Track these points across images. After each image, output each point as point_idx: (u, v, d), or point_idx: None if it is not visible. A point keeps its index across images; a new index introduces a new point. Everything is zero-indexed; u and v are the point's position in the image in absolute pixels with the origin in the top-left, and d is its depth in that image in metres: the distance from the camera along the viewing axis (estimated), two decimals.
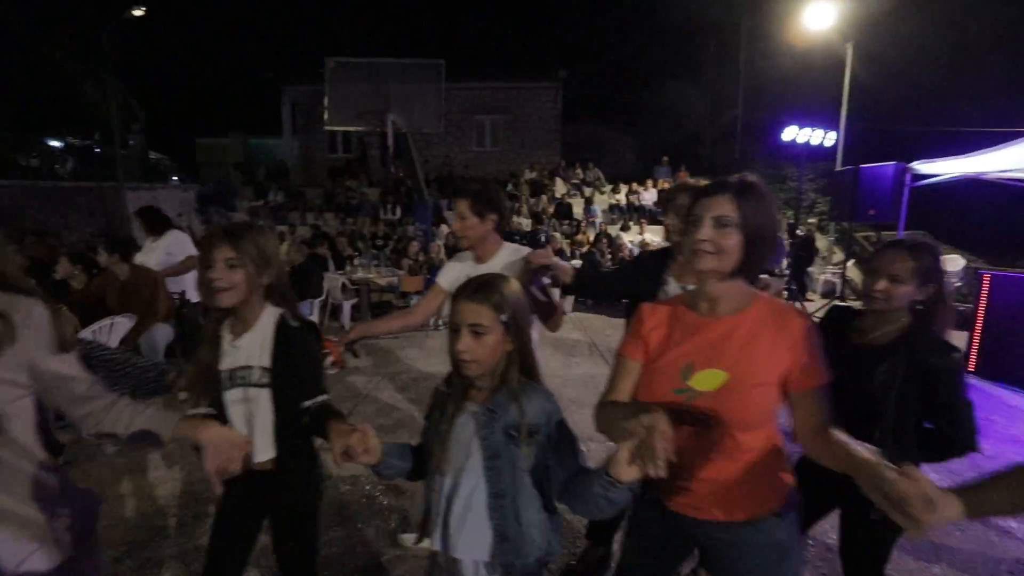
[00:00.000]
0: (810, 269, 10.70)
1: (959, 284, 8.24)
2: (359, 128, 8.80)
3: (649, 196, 14.07)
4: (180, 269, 4.44)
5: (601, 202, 14.42)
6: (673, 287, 1.78)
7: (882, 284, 1.46)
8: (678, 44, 24.79)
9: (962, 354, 1.51)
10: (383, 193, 14.29)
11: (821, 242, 11.92)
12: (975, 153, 5.47)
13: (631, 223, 12.80)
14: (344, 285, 7.14)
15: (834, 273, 10.38)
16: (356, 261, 8.91)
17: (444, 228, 11.40)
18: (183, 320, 4.34)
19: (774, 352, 1.10)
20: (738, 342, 1.11)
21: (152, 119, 21.95)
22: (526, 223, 12.75)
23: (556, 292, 2.03)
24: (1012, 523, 2.68)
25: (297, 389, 1.42)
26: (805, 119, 6.71)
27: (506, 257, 2.05)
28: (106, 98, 12.61)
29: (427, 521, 1.21)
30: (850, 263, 10.84)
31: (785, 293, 7.13)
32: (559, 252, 9.33)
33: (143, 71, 26.87)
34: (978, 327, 5.19)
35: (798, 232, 10.63)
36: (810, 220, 12.28)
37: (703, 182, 1.55)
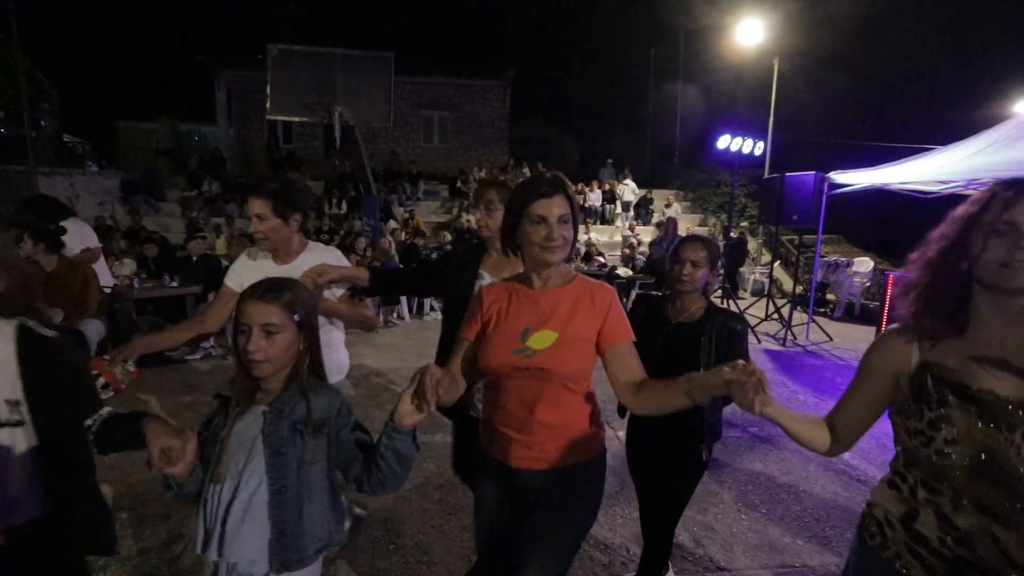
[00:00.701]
0: (741, 269, 11.46)
1: (868, 284, 9.12)
2: (304, 119, 8.50)
3: (594, 197, 14.50)
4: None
5: None
6: (487, 281, 1.82)
7: (687, 269, 1.84)
8: (622, 50, 25.62)
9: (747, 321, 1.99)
10: (328, 187, 13.89)
11: (751, 244, 12.76)
12: (883, 165, 6.10)
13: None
14: None
15: (762, 273, 11.15)
16: None
17: (392, 224, 11.26)
18: (115, 315, 4.10)
19: (591, 315, 1.33)
20: (565, 309, 1.34)
21: (67, 100, 20.13)
22: (475, 220, 12.82)
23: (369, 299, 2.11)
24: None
25: (69, 414, 1.19)
26: (738, 128, 7.19)
27: (312, 259, 1.95)
28: (9, 73, 11.45)
29: (207, 538, 1.15)
30: (776, 264, 11.70)
31: (719, 291, 7.62)
32: None
33: (55, 46, 24.57)
34: (884, 321, 5.80)
35: (731, 235, 11.34)
36: (742, 223, 13.11)
37: (508, 179, 1.88)
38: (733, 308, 7.67)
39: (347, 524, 2.28)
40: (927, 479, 0.98)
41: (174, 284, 5.90)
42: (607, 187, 15.14)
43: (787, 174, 6.70)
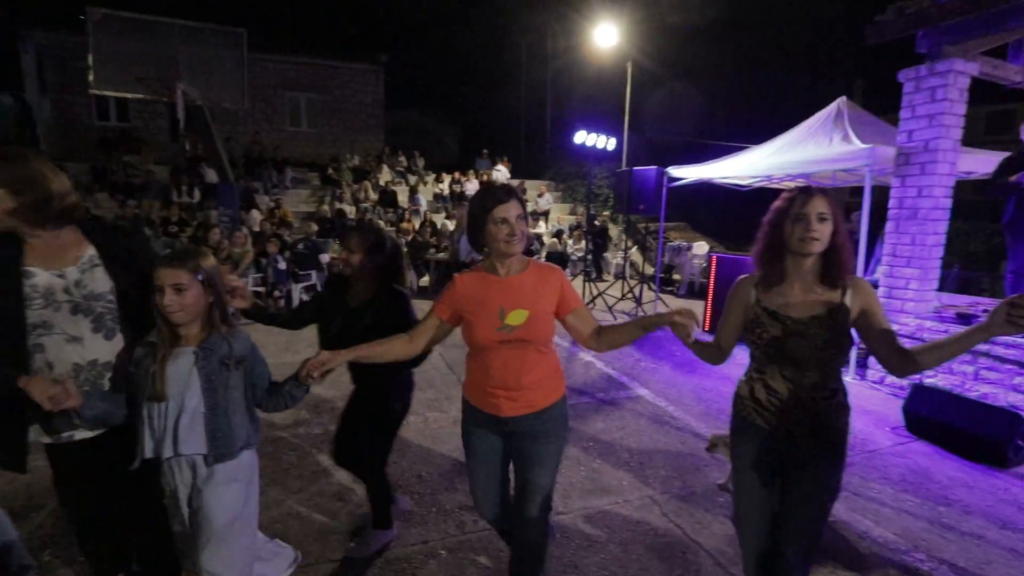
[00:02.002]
0: (606, 254, 12.51)
1: (705, 264, 10.52)
2: (138, 95, 7.55)
3: (472, 186, 14.76)
4: None
5: (426, 191, 14.68)
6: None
7: (344, 255, 2.14)
8: (496, 43, 26.08)
9: (408, 292, 2.27)
10: (175, 171, 12.46)
11: (613, 231, 13.95)
12: (710, 162, 7.11)
13: (455, 212, 13.33)
14: None
15: (623, 257, 12.29)
16: None
17: (256, 214, 10.48)
18: None
19: (550, 292, 1.73)
20: (529, 289, 1.71)
21: None
22: (349, 210, 12.38)
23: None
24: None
25: None
26: (598, 123, 7.83)
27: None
28: None
29: (158, 443, 1.52)
30: (635, 248, 12.96)
31: (582, 275, 8.33)
32: None
33: None
34: (710, 296, 6.81)
35: (595, 222, 12.30)
36: (604, 212, 14.27)
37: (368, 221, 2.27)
38: (594, 290, 8.40)
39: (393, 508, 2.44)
40: (759, 366, 1.65)
41: None
42: (485, 177, 15.50)
43: (634, 168, 7.49)
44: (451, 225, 11.80)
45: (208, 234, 7.38)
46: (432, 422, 3.79)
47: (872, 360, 4.75)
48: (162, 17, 7.18)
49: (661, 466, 3.22)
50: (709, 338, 1.78)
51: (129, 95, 7.45)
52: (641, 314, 7.71)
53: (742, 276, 1.71)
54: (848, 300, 1.55)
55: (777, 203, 1.60)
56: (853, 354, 4.90)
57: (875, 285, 5.09)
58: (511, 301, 1.67)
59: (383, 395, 2.23)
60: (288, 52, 16.57)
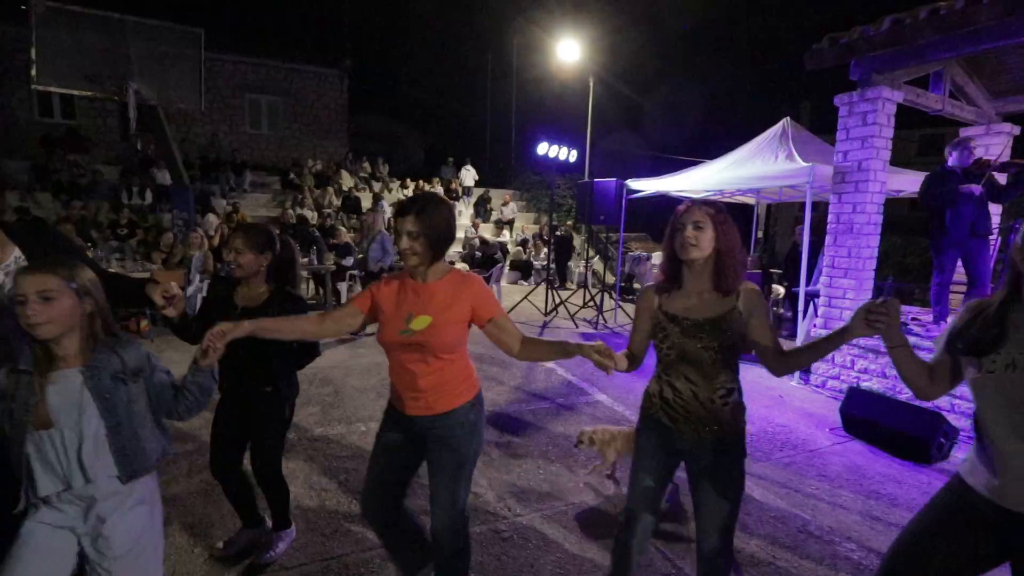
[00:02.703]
0: (569, 263, 12.73)
1: None
2: (86, 92, 7.24)
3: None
4: None
5: (390, 198, 14.58)
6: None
7: (232, 256, 2.10)
8: (463, 53, 26.25)
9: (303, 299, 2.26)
10: (126, 172, 11.95)
11: (576, 240, 14.22)
12: (668, 175, 7.40)
13: (364, 218, 13.26)
14: None
15: (586, 265, 12.54)
16: (91, 253, 7.38)
17: (212, 218, 10.16)
18: None
19: (460, 302, 1.73)
20: (440, 297, 1.72)
21: None
22: (311, 215, 12.16)
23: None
24: None
25: None
26: (562, 135, 8.02)
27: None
28: None
29: (64, 477, 1.33)
30: (596, 258, 13.24)
31: (545, 284, 8.47)
32: (345, 246, 9.23)
33: None
34: None
35: (558, 232, 12.51)
36: (568, 222, 14.53)
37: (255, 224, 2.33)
38: (556, 298, 8.56)
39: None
40: (664, 368, 1.75)
41: None
42: (454, 184, 15.53)
43: (596, 180, 7.70)
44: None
45: (160, 237, 7.12)
46: None
47: (816, 364, 5.04)
48: (113, 12, 6.93)
49: (617, 468, 3.33)
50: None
51: (76, 92, 7.13)
52: (603, 322, 7.90)
53: (647, 284, 1.86)
54: (740, 305, 1.65)
55: (672, 217, 1.73)
56: None
57: (816, 295, 5.42)
58: (420, 307, 1.70)
59: (279, 398, 2.18)
60: (249, 53, 16.20)
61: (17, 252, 1.58)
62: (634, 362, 1.80)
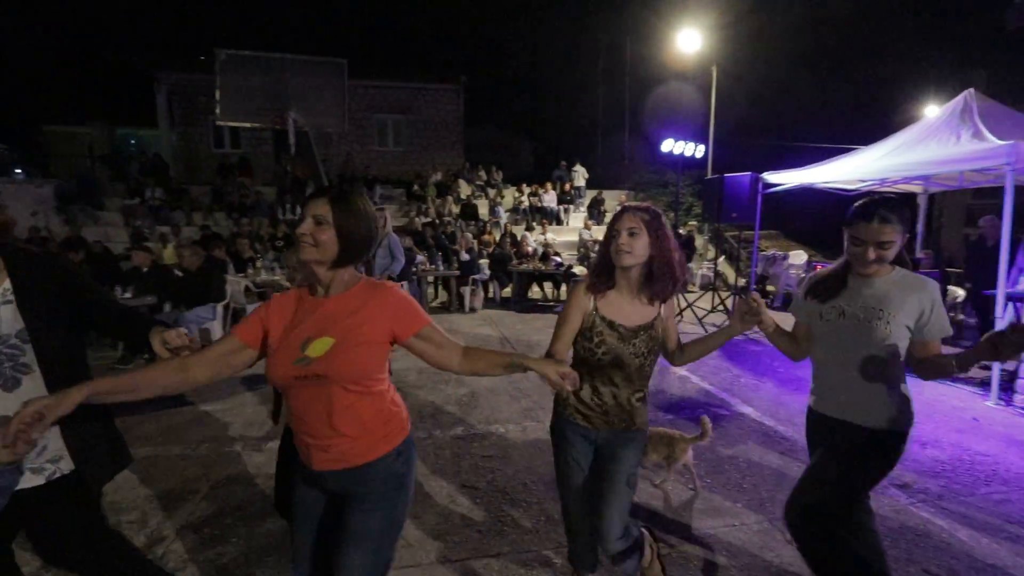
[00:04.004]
0: (690, 264, 12.07)
1: (803, 275, 9.85)
2: (255, 124, 8.37)
3: (549, 198, 14.87)
4: None
5: (505, 204, 14.97)
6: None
7: (139, 257, 1.84)
8: (572, 57, 26.21)
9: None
10: (280, 192, 13.62)
11: (699, 240, 13.44)
12: (810, 166, 6.68)
13: (534, 224, 13.47)
14: (248, 288, 6.86)
15: (709, 267, 11.79)
16: (258, 263, 8.51)
17: None
18: None
19: (376, 318, 1.36)
20: (345, 314, 1.36)
21: None
22: (430, 222, 12.89)
23: None
24: None
25: None
26: (681, 131, 7.64)
27: None
28: None
29: None
30: (722, 259, 12.39)
31: None
32: (469, 251, 9.63)
33: None
34: None
35: (680, 232, 11.92)
36: (691, 222, 13.79)
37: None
38: (681, 302, 8.13)
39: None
40: (589, 370, 1.76)
41: (127, 296, 5.75)
42: (568, 187, 15.56)
43: (726, 175, 7.20)
44: (530, 236, 11.94)
45: None
46: (530, 431, 3.83)
47: (1020, 384, 4.20)
48: (275, 53, 7.93)
49: (776, 488, 3.04)
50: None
51: (248, 124, 8.28)
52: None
53: (577, 281, 1.86)
54: (662, 311, 1.76)
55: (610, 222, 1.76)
56: (997, 376, 4.36)
57: (1020, 298, 4.52)
58: (318, 328, 1.33)
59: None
60: (376, 77, 17.66)
61: (7, 283, 1.39)
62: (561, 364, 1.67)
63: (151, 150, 16.45)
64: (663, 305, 1.76)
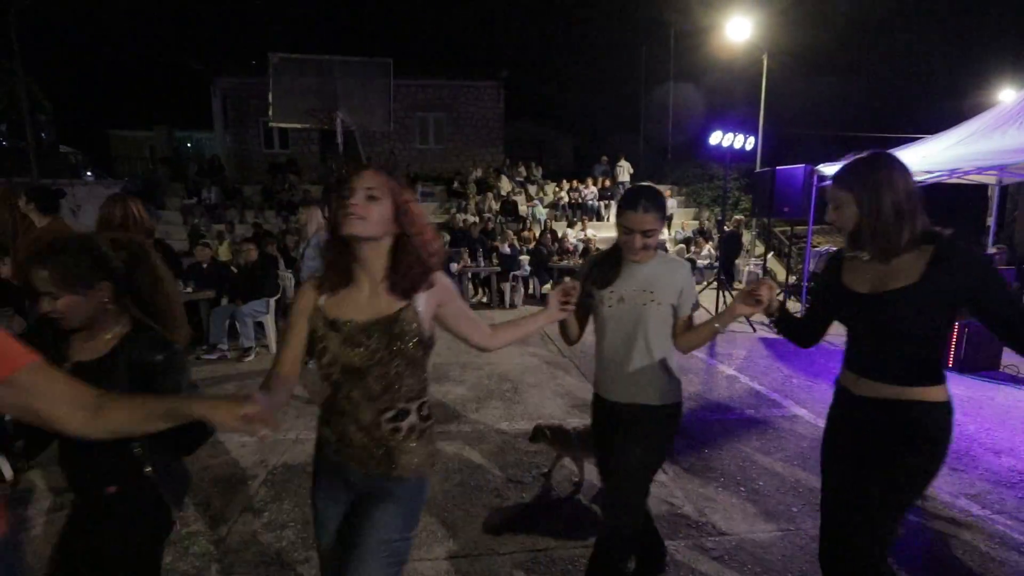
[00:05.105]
0: (736, 261, 11.69)
1: None
2: (305, 125, 8.68)
3: (590, 193, 14.72)
4: None
5: (546, 199, 14.92)
6: None
7: (43, 304, 1.27)
8: (614, 49, 25.80)
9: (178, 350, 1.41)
10: (327, 190, 14.03)
11: (745, 236, 13.00)
12: None
13: (575, 219, 13.37)
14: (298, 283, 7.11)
15: (756, 264, 11.38)
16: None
17: None
18: None
19: None
20: None
21: (58, 109, 20.18)
22: (472, 220, 12.99)
23: None
24: None
25: None
26: (729, 123, 7.40)
27: None
28: (13, 88, 11.56)
29: None
30: (770, 255, 11.94)
31: (715, 283, 7.85)
32: (510, 246, 9.66)
33: (45, 54, 24.59)
34: None
35: (726, 227, 11.57)
36: (737, 216, 13.35)
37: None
38: (727, 299, 7.90)
39: None
40: (332, 394, 1.35)
41: (188, 290, 6.08)
42: (608, 183, 15.37)
43: (777, 168, 6.92)
44: (569, 233, 11.85)
45: None
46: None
47: None
48: (324, 55, 8.18)
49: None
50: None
51: (299, 125, 8.60)
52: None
53: (307, 279, 1.38)
54: (420, 298, 1.33)
55: None
56: None
57: None
58: None
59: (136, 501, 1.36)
60: (418, 76, 17.90)
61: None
62: (281, 385, 1.29)
63: (206, 151, 17.30)
64: (429, 293, 1.34)
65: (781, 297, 1.61)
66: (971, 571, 2.28)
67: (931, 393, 1.43)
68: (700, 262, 11.15)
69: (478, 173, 15.77)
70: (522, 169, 16.55)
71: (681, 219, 14.03)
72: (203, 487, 2.96)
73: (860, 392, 1.54)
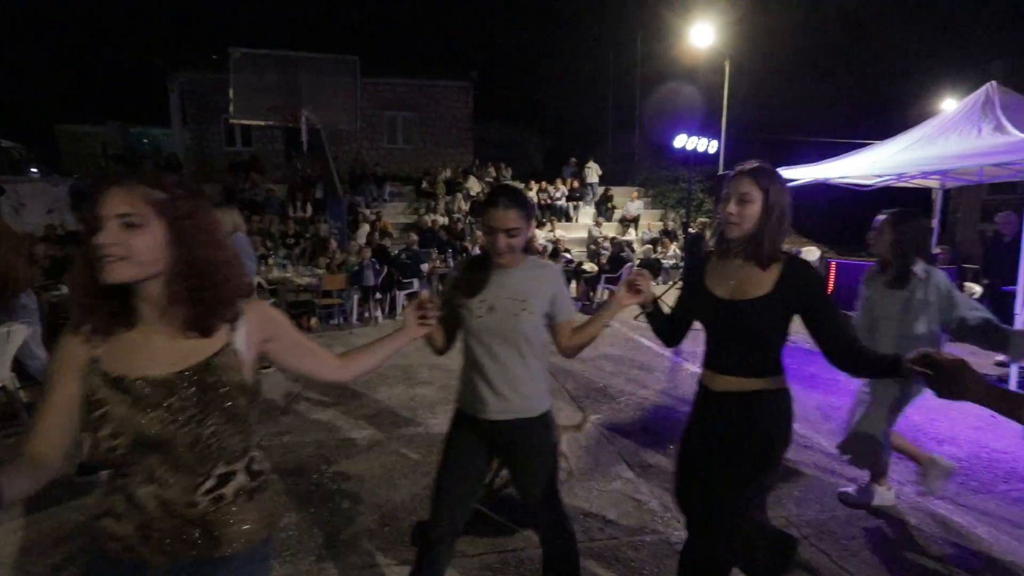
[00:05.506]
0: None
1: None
2: (268, 122, 8.45)
3: (559, 194, 14.84)
4: None
5: None
6: None
7: None
8: (581, 54, 26.12)
9: None
10: (291, 190, 13.71)
11: (709, 237, 13.35)
12: (824, 161, 6.60)
13: (544, 220, 13.45)
14: (260, 285, 6.92)
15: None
16: (270, 260, 8.59)
17: (365, 227, 11.25)
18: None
19: None
20: None
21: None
22: (442, 220, 12.92)
23: None
24: None
25: None
26: (693, 127, 7.59)
27: None
28: None
29: None
30: None
31: (680, 283, 8.03)
32: (481, 247, 9.64)
33: None
34: None
35: (690, 229, 11.86)
36: (701, 219, 13.70)
37: None
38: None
39: None
40: (116, 471, 1.02)
41: None
42: (574, 184, 15.51)
43: None
44: (540, 235, 11.91)
45: (327, 243, 8.04)
46: None
47: None
48: (289, 51, 7.99)
49: (794, 486, 3.02)
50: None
51: (262, 123, 8.36)
52: None
53: (67, 329, 1.02)
54: (239, 337, 1.05)
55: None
56: (1015, 373, 4.30)
57: None
58: None
59: None
60: (386, 75, 17.67)
61: None
62: (32, 471, 0.97)
63: (164, 149, 16.65)
64: (246, 323, 1.08)
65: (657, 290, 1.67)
66: (914, 554, 2.41)
67: (771, 383, 1.59)
68: (666, 262, 11.39)
69: (447, 173, 15.68)
70: (491, 170, 16.54)
71: (648, 220, 14.30)
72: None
73: (716, 387, 1.66)
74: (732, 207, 1.58)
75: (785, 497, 2.89)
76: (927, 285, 2.44)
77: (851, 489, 2.89)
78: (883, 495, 2.78)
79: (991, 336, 2.33)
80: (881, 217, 2.61)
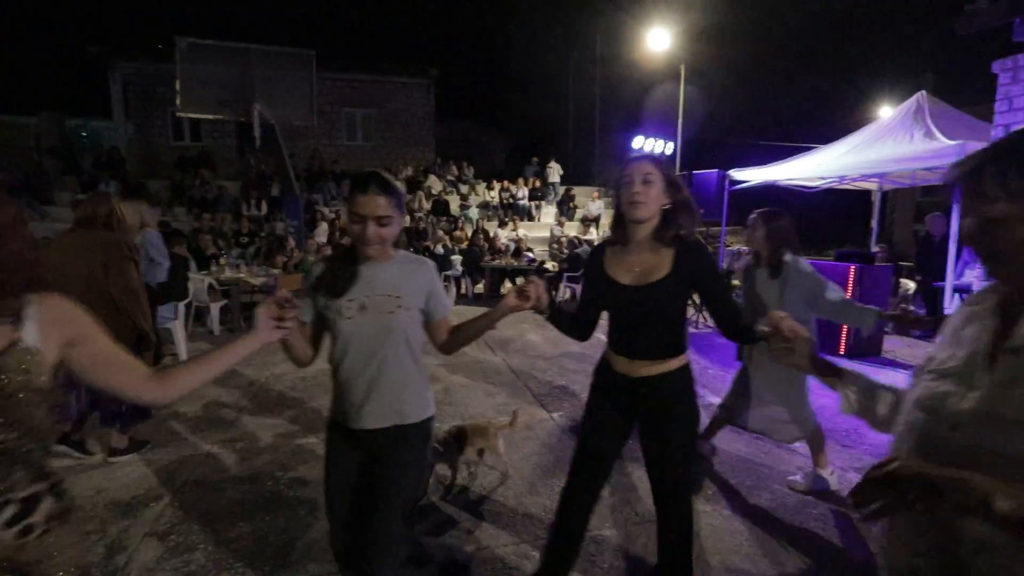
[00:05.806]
0: None
1: None
2: (218, 116, 8.11)
3: (521, 194, 14.90)
4: None
5: (476, 199, 14.92)
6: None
7: None
8: (544, 54, 26.32)
9: None
10: (245, 187, 13.21)
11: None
12: (772, 164, 6.90)
13: (506, 220, 13.48)
14: (211, 286, 6.64)
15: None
16: (222, 260, 8.25)
17: (324, 226, 10.96)
18: None
19: None
20: None
21: None
22: (404, 220, 12.75)
23: None
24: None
25: None
26: (652, 128, 7.78)
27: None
28: None
29: None
30: None
31: None
32: (444, 247, 9.57)
33: None
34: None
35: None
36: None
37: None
38: None
39: None
40: None
41: None
42: (536, 184, 15.60)
43: (694, 172, 7.37)
44: (502, 233, 11.92)
45: (284, 242, 7.78)
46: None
47: None
48: (240, 43, 7.69)
49: (745, 476, 3.14)
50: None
51: (211, 116, 8.01)
52: (703, 321, 7.53)
53: None
54: (30, 334, 0.90)
55: None
56: None
57: (967, 289, 4.79)
58: None
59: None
60: (345, 70, 17.28)
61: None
62: None
63: (105, 142, 15.71)
64: (39, 317, 0.92)
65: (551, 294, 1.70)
66: (857, 539, 2.55)
67: (675, 363, 1.73)
68: None
69: (408, 172, 15.48)
70: (453, 168, 16.45)
71: (609, 220, 14.53)
72: (96, 512, 2.69)
73: (635, 373, 1.74)
74: (638, 187, 1.65)
75: (737, 486, 3.00)
76: (795, 270, 2.78)
77: (799, 477, 3.03)
78: (826, 479, 2.93)
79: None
80: (754, 216, 2.98)
